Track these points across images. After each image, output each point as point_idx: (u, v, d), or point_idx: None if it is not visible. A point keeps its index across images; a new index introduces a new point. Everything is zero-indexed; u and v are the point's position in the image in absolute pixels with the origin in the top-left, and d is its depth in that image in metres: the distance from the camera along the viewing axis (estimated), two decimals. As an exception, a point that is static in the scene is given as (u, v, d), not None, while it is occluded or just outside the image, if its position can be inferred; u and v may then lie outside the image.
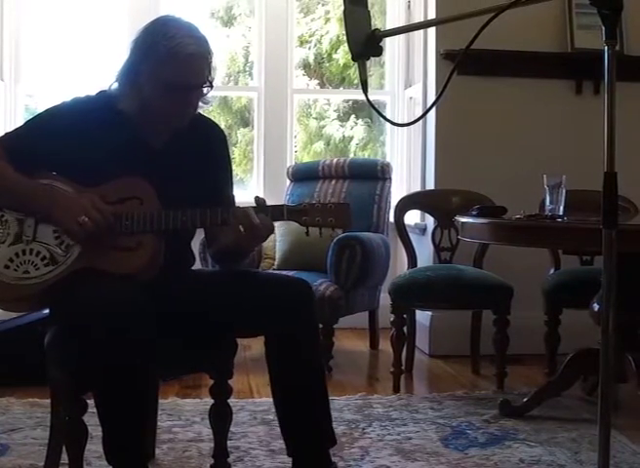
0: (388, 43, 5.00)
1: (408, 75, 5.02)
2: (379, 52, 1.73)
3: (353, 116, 5.92)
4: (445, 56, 4.12)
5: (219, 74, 2.17)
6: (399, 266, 4.62)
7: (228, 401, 2.19)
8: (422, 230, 4.40)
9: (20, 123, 2.30)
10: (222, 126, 3.14)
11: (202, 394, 3.18)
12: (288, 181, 4.66)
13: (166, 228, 2.03)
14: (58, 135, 2.08)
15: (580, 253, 3.71)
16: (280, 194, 4.62)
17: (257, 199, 2.05)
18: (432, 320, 4.18)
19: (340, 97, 5.98)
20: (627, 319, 2.70)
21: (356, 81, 5.59)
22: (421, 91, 4.48)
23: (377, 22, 5.03)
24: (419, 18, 4.58)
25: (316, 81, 5.99)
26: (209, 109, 2.41)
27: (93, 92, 2.22)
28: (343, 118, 5.94)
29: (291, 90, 5.07)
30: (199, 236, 2.35)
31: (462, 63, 3.80)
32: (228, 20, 5.77)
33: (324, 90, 5.98)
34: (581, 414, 2.98)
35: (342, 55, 5.81)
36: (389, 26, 4.91)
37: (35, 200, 2.05)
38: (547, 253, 3.80)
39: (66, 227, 2.02)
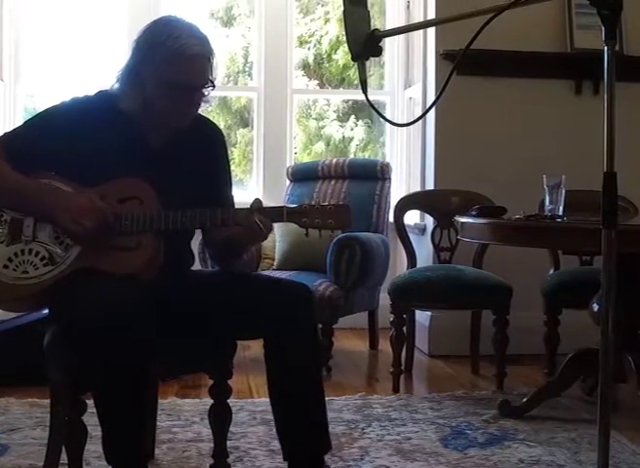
0: (388, 43, 5.00)
1: (407, 75, 5.03)
2: (378, 52, 1.73)
3: (353, 117, 5.92)
4: (444, 56, 4.13)
5: (218, 74, 2.17)
6: (399, 266, 4.62)
7: (228, 401, 2.18)
8: (422, 230, 4.40)
9: (19, 123, 2.30)
10: (222, 126, 3.16)
11: (201, 394, 3.18)
12: (287, 182, 4.66)
13: (166, 228, 2.03)
14: (57, 134, 2.08)
15: (579, 254, 3.71)
16: (280, 194, 4.62)
17: (252, 204, 2.04)
18: (432, 320, 4.18)
19: (339, 97, 5.98)
20: (627, 319, 2.70)
21: (356, 81, 5.59)
22: (421, 91, 4.48)
23: (376, 23, 5.03)
24: (418, 18, 4.58)
25: (316, 81, 5.99)
26: (208, 109, 2.41)
27: (92, 92, 2.22)
28: (343, 119, 5.94)
29: (290, 90, 5.07)
30: (199, 236, 2.35)
31: (462, 63, 3.80)
32: (228, 21, 5.77)
33: (323, 90, 5.98)
34: (581, 415, 2.98)
35: (342, 55, 5.82)
36: (389, 27, 4.91)
37: (34, 200, 2.05)
38: (547, 254, 3.80)
39: (66, 227, 2.02)
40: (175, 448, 2.58)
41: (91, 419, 2.00)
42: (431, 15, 4.27)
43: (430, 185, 4.28)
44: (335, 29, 5.86)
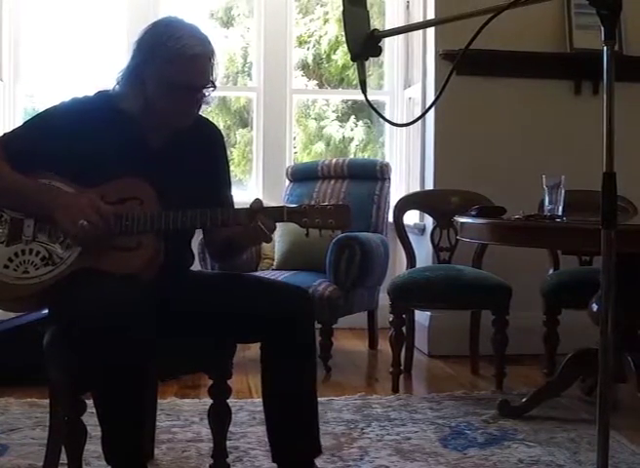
0: (387, 43, 5.00)
1: (407, 75, 5.03)
2: (378, 52, 1.73)
3: (353, 117, 5.92)
4: (444, 56, 4.13)
5: (218, 74, 2.17)
6: (398, 266, 4.62)
7: (227, 401, 2.18)
8: (421, 230, 4.40)
9: (19, 123, 2.30)
10: (221, 126, 3.16)
11: (201, 394, 3.18)
12: (287, 182, 4.66)
13: (166, 228, 2.03)
14: (57, 135, 2.08)
15: (579, 254, 3.71)
16: (279, 194, 4.62)
17: (252, 204, 2.03)
18: (431, 320, 4.18)
19: (338, 97, 5.98)
20: (626, 319, 2.70)
21: (355, 81, 5.59)
22: (421, 91, 4.48)
23: (376, 23, 5.04)
24: (417, 18, 4.58)
25: (315, 81, 6.00)
26: (207, 110, 2.41)
27: (92, 92, 2.22)
28: (343, 119, 5.94)
29: (290, 90, 5.07)
30: (198, 236, 2.35)
31: (462, 64, 3.80)
32: (227, 21, 5.77)
33: (323, 90, 5.98)
34: (580, 415, 2.99)
35: (341, 55, 5.82)
36: (388, 27, 4.91)
37: (34, 200, 2.05)
38: (546, 254, 3.80)
39: (66, 228, 2.02)
40: (174, 449, 2.58)
41: (90, 419, 2.00)
42: (431, 15, 4.27)
43: (430, 185, 4.28)
44: (334, 29, 5.86)
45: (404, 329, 3.52)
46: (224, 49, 5.61)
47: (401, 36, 4.98)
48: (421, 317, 4.16)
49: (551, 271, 3.76)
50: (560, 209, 2.78)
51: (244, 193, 4.94)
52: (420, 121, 4.34)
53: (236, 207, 2.17)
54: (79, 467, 2.04)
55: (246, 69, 5.66)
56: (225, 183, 2.32)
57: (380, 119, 5.61)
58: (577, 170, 3.38)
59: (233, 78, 5.71)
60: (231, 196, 2.32)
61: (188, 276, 2.27)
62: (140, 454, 2.00)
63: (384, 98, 5.17)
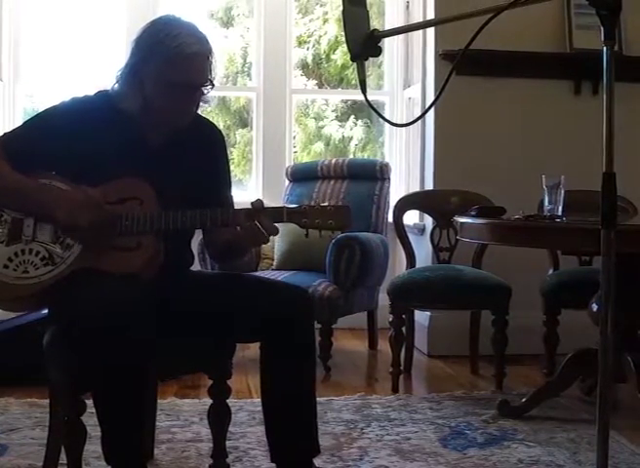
0: (387, 43, 5.00)
1: (407, 75, 5.03)
2: (377, 52, 1.73)
3: (352, 117, 5.92)
4: (444, 56, 4.13)
5: (217, 74, 2.17)
6: (398, 266, 4.62)
7: (227, 401, 2.18)
8: (421, 230, 4.40)
9: (19, 123, 2.30)
10: (221, 126, 3.15)
11: (201, 394, 3.18)
12: (287, 182, 4.66)
13: (166, 228, 2.03)
14: (57, 134, 2.08)
15: (578, 254, 3.71)
16: (279, 194, 4.62)
17: (253, 203, 2.03)
18: (431, 320, 4.18)
19: (338, 97, 5.99)
20: (626, 319, 2.70)
21: (354, 81, 5.59)
22: (420, 91, 4.48)
23: (375, 23, 5.03)
24: (417, 18, 4.58)
25: (314, 81, 6.00)
26: (207, 109, 2.41)
27: (92, 92, 2.22)
28: (342, 118, 5.94)
29: (289, 90, 5.07)
30: (198, 236, 2.35)
31: (461, 64, 3.78)
32: (227, 21, 5.77)
33: (323, 90, 5.98)
34: (580, 415, 2.99)
35: (341, 55, 5.82)
36: (388, 27, 4.91)
37: (35, 199, 2.05)
38: (546, 254, 3.80)
39: (66, 228, 2.02)
40: (174, 449, 2.58)
41: (90, 419, 2.00)
42: (430, 15, 4.27)
43: (429, 185, 4.28)
44: (333, 29, 5.87)
45: (404, 329, 3.52)
46: (224, 49, 5.61)
47: (401, 36, 4.98)
48: (421, 317, 4.16)
49: (551, 271, 3.76)
50: (560, 209, 2.78)
51: (244, 193, 4.94)
52: (419, 121, 4.34)
53: (236, 207, 2.16)
54: (79, 467, 2.05)
55: (245, 69, 5.66)
56: (225, 183, 2.32)
57: (380, 119, 5.60)
58: (576, 170, 3.38)
59: (233, 78, 5.72)
60: (231, 196, 2.32)
61: (188, 276, 2.27)
62: (140, 454, 2.00)
63: (384, 98, 5.17)
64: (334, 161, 4.55)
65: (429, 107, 3.14)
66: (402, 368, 3.54)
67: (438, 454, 2.56)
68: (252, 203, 2.03)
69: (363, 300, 4.03)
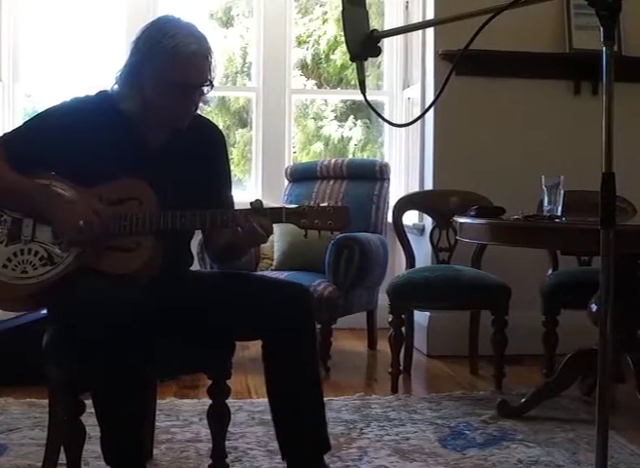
0: (387, 43, 5.00)
1: (406, 76, 5.03)
2: (377, 52, 1.73)
3: (352, 117, 5.92)
4: (443, 56, 4.12)
5: (217, 75, 2.17)
6: (397, 267, 4.62)
7: (226, 401, 2.18)
8: (421, 230, 4.40)
9: (18, 123, 2.30)
10: (221, 126, 3.14)
11: (200, 394, 3.18)
12: (286, 182, 4.66)
13: (165, 229, 2.03)
14: (57, 135, 2.08)
15: (578, 254, 3.71)
16: (278, 194, 4.62)
17: (253, 204, 2.04)
18: (430, 320, 4.18)
19: (337, 97, 5.99)
20: (626, 319, 2.70)
21: (354, 81, 5.59)
22: (420, 91, 4.47)
23: (375, 23, 5.03)
24: (417, 18, 4.58)
25: (313, 81, 6.00)
26: (207, 110, 2.41)
27: (92, 92, 2.23)
28: (342, 119, 5.94)
29: (289, 90, 5.07)
30: (198, 236, 2.35)
31: (461, 64, 3.79)
32: (227, 21, 5.77)
33: (322, 90, 5.98)
34: (579, 415, 2.99)
35: (340, 55, 5.82)
36: (387, 27, 4.91)
37: (34, 201, 2.05)
38: (545, 254, 3.80)
39: (64, 230, 2.02)
40: (173, 449, 2.58)
41: (89, 419, 2.00)
42: (430, 15, 4.27)
43: (429, 185, 4.28)
44: (333, 29, 5.87)
45: (403, 329, 3.51)
46: (224, 49, 5.61)
47: (400, 36, 4.98)
48: (421, 317, 4.16)
49: (550, 271, 3.76)
50: (559, 209, 2.77)
51: (243, 193, 4.95)
52: (419, 121, 4.33)
53: (235, 207, 2.16)
54: (78, 467, 2.04)
55: (245, 69, 5.66)
56: (226, 183, 2.31)
57: (379, 119, 5.60)
58: (576, 170, 3.38)
59: (232, 78, 5.72)
60: (231, 196, 2.31)
61: (188, 276, 2.27)
62: (140, 454, 2.00)
63: (383, 99, 5.17)
64: (333, 161, 4.55)
65: (429, 107, 3.14)
66: (401, 368, 3.54)
67: (437, 455, 2.56)
68: (251, 203, 2.03)
69: (362, 300, 4.02)
